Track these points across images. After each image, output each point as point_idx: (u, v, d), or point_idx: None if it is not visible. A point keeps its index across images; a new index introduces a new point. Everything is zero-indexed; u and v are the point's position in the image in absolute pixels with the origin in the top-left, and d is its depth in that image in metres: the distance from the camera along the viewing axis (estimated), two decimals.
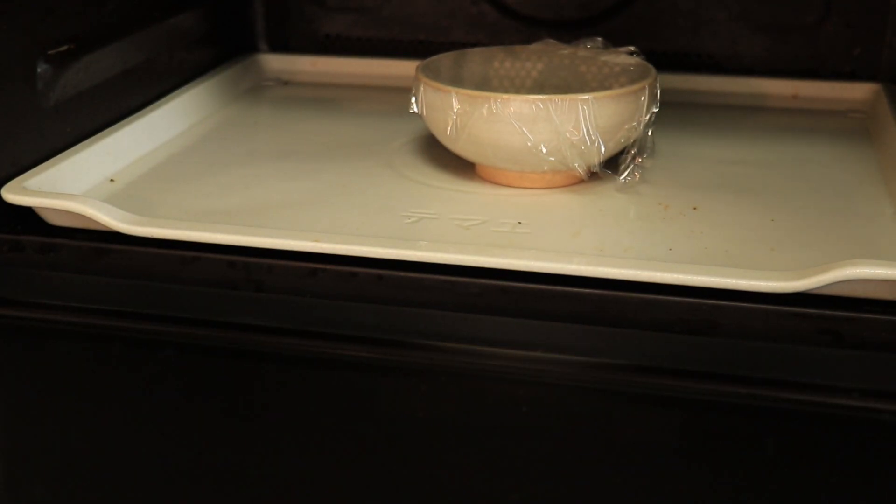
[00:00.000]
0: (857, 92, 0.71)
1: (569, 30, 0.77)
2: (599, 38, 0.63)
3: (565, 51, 0.63)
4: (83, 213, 0.50)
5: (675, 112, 0.66)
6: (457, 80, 0.62)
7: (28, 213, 0.53)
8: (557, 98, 0.53)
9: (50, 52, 0.57)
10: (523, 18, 0.79)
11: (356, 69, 0.79)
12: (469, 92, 0.54)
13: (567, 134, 0.53)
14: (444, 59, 0.62)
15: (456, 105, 0.54)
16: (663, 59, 0.75)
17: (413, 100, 0.58)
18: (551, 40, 0.64)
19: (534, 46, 0.64)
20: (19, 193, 0.52)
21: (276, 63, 0.81)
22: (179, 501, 0.54)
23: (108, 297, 0.52)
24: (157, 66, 0.68)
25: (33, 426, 0.54)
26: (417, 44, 0.81)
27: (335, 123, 0.69)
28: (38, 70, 0.56)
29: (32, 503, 0.55)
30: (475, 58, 0.64)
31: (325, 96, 0.77)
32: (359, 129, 0.68)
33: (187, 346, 0.51)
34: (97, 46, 0.61)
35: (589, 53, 0.63)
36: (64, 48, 0.58)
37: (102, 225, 0.50)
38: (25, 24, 0.55)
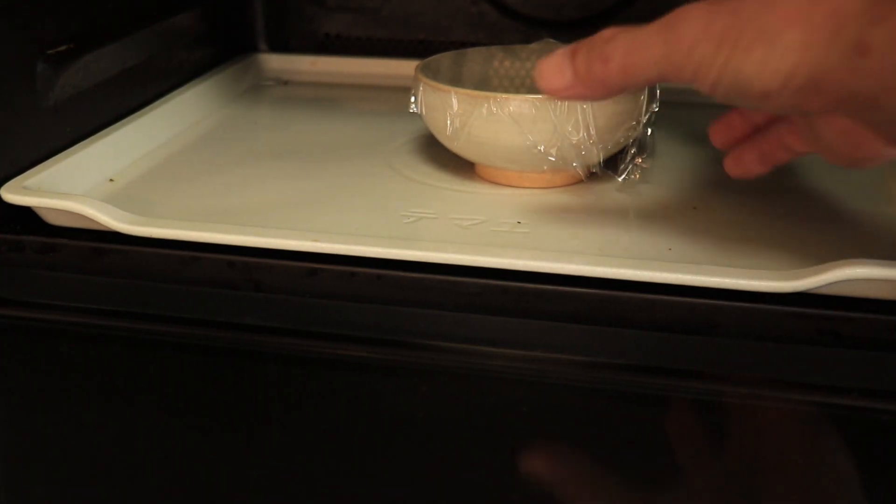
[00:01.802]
0: None
1: (569, 30, 0.77)
2: None
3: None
4: (83, 213, 0.50)
5: (675, 112, 0.66)
6: (456, 80, 0.62)
7: (28, 213, 0.53)
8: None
9: (49, 52, 0.57)
10: (523, 18, 0.79)
11: (356, 69, 0.79)
12: (468, 92, 0.54)
13: (567, 134, 0.53)
14: (443, 59, 0.62)
15: (455, 105, 0.54)
16: None
17: (412, 99, 0.58)
18: (551, 40, 0.64)
19: (534, 46, 0.64)
20: (19, 193, 0.52)
21: (275, 63, 0.81)
22: (179, 501, 0.54)
23: (107, 297, 0.52)
24: (157, 66, 0.68)
25: (33, 426, 0.54)
26: (417, 43, 0.81)
27: (335, 123, 0.69)
28: (38, 70, 0.56)
29: (32, 503, 0.55)
30: (475, 57, 0.64)
31: (325, 96, 0.77)
32: (358, 128, 0.68)
33: (187, 346, 0.51)
34: (96, 46, 0.61)
35: None
36: (63, 48, 0.58)
37: (102, 225, 0.50)
38: (24, 24, 0.55)
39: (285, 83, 0.79)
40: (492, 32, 0.79)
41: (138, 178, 0.59)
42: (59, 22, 0.58)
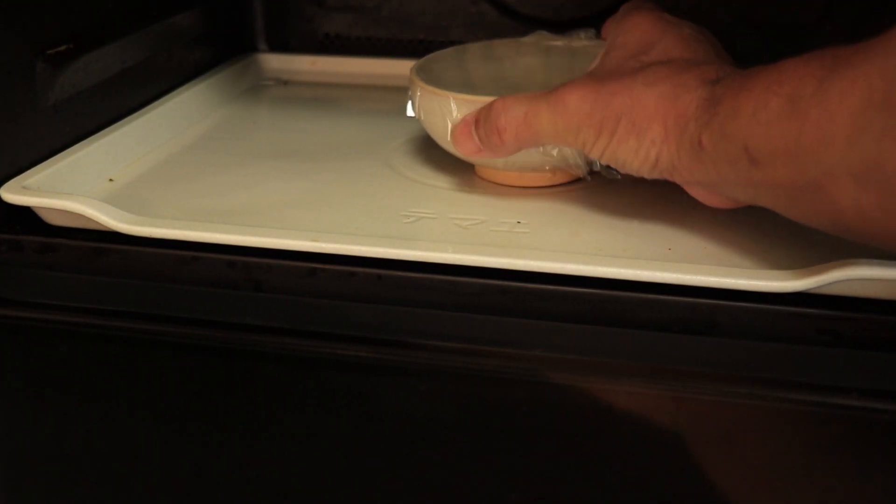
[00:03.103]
0: None
1: (568, 29, 0.77)
2: (592, 29, 0.62)
3: (559, 42, 0.63)
4: (82, 213, 0.50)
5: None
6: (453, 81, 0.61)
7: (27, 212, 0.53)
8: None
9: (49, 52, 0.57)
10: (523, 18, 0.78)
11: (355, 69, 0.79)
12: (467, 97, 0.54)
13: None
14: (438, 59, 0.61)
15: (455, 110, 0.54)
16: None
17: (409, 103, 0.57)
18: (544, 32, 0.63)
19: (528, 39, 0.64)
20: (18, 193, 0.52)
21: (275, 62, 0.81)
22: (179, 501, 0.54)
23: (107, 297, 0.52)
24: (156, 66, 0.68)
25: (33, 426, 0.54)
26: (417, 43, 0.81)
27: (334, 123, 0.69)
28: (37, 70, 0.56)
29: (32, 503, 0.55)
30: (471, 55, 0.64)
31: (325, 96, 0.76)
32: (358, 128, 0.68)
33: (187, 346, 0.51)
34: (96, 46, 0.61)
35: (583, 45, 0.62)
36: (63, 48, 0.58)
37: (102, 225, 0.50)
38: (24, 24, 0.55)
39: (285, 83, 0.79)
40: (491, 32, 0.79)
41: (138, 178, 0.59)
42: (59, 22, 0.58)
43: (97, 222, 0.50)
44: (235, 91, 0.76)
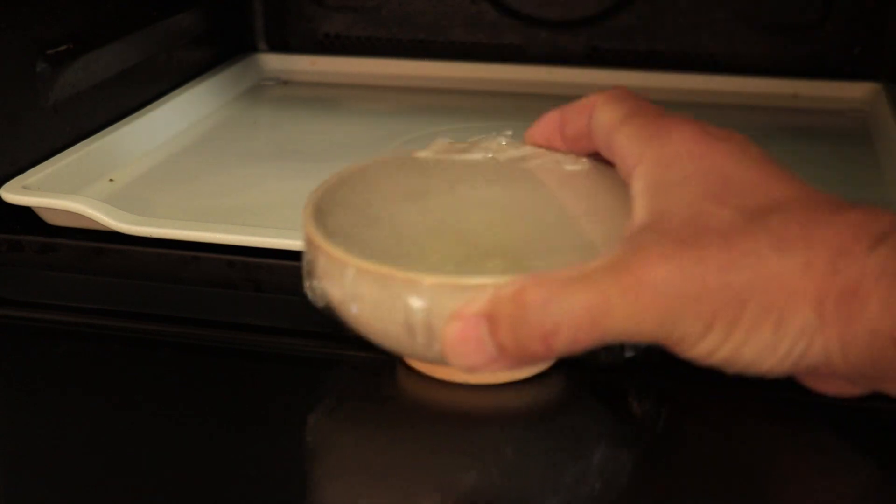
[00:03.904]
0: (857, 92, 0.71)
1: (569, 29, 0.77)
2: (510, 132, 0.46)
3: (476, 155, 0.45)
4: (82, 213, 0.50)
5: (678, 111, 0.66)
6: (378, 241, 0.42)
7: (27, 212, 0.53)
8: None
9: (49, 52, 0.57)
10: (523, 17, 0.78)
11: (356, 68, 0.79)
12: (460, 282, 0.34)
13: None
14: (331, 211, 0.41)
15: (429, 303, 0.35)
16: (663, 59, 0.75)
17: (305, 280, 0.38)
18: (445, 141, 0.47)
19: (428, 155, 0.47)
20: (18, 193, 0.52)
21: (275, 62, 0.81)
22: (178, 501, 0.54)
23: (107, 297, 0.52)
24: (156, 66, 0.68)
25: (32, 426, 0.54)
26: (417, 43, 0.81)
27: (335, 123, 0.69)
28: (37, 70, 0.56)
29: (32, 503, 0.55)
30: (375, 193, 0.44)
31: (325, 96, 0.77)
32: (358, 128, 0.68)
33: (187, 346, 0.51)
34: (96, 46, 0.61)
35: (511, 155, 0.45)
36: (63, 48, 0.58)
37: (101, 225, 0.50)
38: (24, 24, 0.55)
39: (285, 83, 0.79)
40: (491, 32, 0.79)
41: (138, 178, 0.59)
42: (59, 22, 0.58)
43: (97, 222, 0.50)
44: (235, 91, 0.76)
